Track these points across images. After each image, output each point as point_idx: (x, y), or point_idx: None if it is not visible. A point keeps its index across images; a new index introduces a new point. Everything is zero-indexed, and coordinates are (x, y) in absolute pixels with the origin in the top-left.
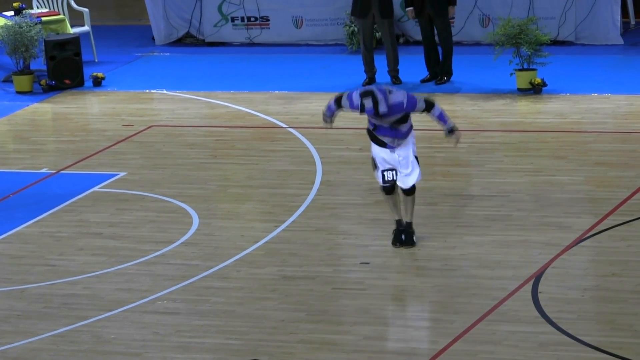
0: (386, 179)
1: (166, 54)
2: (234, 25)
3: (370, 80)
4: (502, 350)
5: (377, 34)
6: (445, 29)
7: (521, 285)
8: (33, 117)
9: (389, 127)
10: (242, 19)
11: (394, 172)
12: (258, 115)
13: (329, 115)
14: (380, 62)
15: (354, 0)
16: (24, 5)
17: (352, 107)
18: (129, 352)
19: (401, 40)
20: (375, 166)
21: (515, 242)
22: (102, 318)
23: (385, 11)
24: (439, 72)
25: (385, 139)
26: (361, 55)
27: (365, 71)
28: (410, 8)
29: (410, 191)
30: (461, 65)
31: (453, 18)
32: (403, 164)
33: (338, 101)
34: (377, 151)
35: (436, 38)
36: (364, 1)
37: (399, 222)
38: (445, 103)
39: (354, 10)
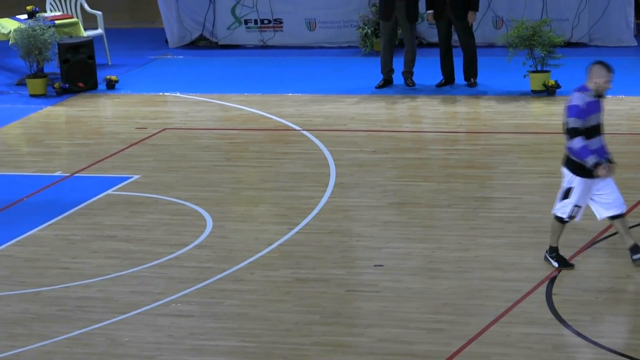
0: (575, 217)
1: (179, 57)
2: (247, 27)
3: (386, 81)
4: (516, 353)
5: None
6: (468, 32)
7: (535, 287)
8: (47, 120)
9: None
10: (256, 22)
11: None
12: (271, 118)
13: (598, 159)
14: (396, 64)
15: (380, 2)
16: (37, 9)
17: (584, 115)
18: (143, 355)
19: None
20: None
21: (529, 244)
22: (116, 321)
23: (411, 15)
24: (467, 75)
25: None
26: (380, 56)
27: (381, 72)
28: (430, 11)
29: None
30: None
31: (471, 25)
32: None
33: (573, 131)
34: (583, 184)
35: (453, 42)
36: (388, 3)
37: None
38: (459, 105)
39: (379, 12)
